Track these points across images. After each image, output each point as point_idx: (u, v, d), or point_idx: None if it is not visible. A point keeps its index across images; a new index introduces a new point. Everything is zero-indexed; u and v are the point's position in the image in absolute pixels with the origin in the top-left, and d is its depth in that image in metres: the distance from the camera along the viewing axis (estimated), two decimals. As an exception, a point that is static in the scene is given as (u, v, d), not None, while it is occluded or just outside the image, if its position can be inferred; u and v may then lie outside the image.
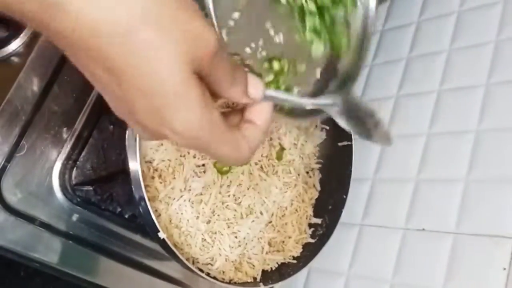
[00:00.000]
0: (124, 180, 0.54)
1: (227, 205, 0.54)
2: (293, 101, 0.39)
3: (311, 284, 0.63)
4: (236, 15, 0.42)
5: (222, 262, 0.53)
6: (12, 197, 0.50)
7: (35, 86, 0.50)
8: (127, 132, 0.44)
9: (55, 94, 0.52)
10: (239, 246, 0.54)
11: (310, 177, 0.62)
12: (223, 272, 0.53)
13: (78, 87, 0.53)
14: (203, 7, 0.37)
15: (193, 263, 0.51)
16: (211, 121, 0.28)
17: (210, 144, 0.29)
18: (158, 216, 0.50)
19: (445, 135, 0.57)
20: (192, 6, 0.26)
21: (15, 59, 0.51)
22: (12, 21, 0.51)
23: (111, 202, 0.55)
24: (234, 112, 0.34)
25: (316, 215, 0.61)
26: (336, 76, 0.49)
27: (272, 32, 0.44)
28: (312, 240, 0.59)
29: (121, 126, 0.46)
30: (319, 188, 0.62)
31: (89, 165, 0.54)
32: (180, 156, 0.51)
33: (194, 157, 0.52)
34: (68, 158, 0.53)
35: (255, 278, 0.55)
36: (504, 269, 0.47)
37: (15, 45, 0.51)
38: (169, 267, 0.58)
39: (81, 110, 0.53)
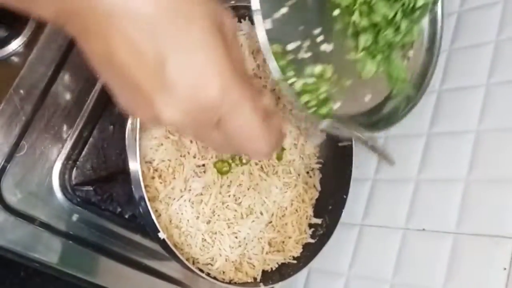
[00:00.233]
0: (124, 180, 0.54)
1: (227, 205, 0.54)
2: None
3: (311, 284, 0.63)
4: (284, 10, 0.42)
5: (222, 262, 0.53)
6: (12, 197, 0.50)
7: (35, 86, 0.50)
8: (126, 132, 0.44)
9: (55, 94, 0.52)
10: (239, 246, 0.54)
11: (310, 177, 0.62)
12: (223, 272, 0.53)
13: (78, 86, 0.53)
14: None
15: (193, 263, 0.51)
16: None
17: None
18: (158, 216, 0.50)
19: (446, 135, 0.57)
20: None
21: (15, 59, 0.51)
22: (12, 21, 0.51)
23: (111, 202, 0.55)
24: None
25: (316, 215, 0.61)
26: (382, 111, 0.49)
27: (319, 39, 0.44)
28: (312, 240, 0.59)
29: (122, 125, 0.46)
30: (319, 188, 0.62)
31: (89, 165, 0.54)
32: (180, 156, 0.51)
33: (194, 157, 0.52)
34: (68, 158, 0.52)
35: (255, 278, 0.55)
36: (505, 269, 0.47)
37: (15, 45, 0.51)
38: (169, 267, 0.58)
39: (81, 110, 0.53)
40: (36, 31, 0.51)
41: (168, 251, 0.46)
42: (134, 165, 0.44)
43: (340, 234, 0.57)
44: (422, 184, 0.57)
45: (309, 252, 0.57)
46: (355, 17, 0.45)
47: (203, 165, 0.52)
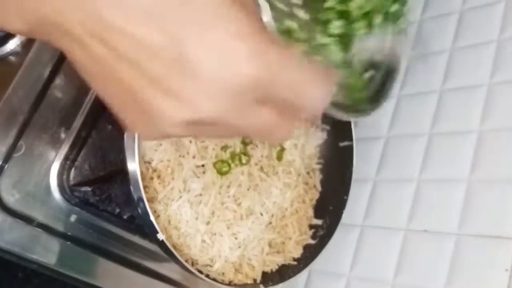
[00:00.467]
0: (122, 180, 0.54)
1: (227, 206, 0.53)
2: None
3: (311, 286, 0.62)
4: None
5: (222, 263, 0.52)
6: (10, 198, 0.49)
7: (33, 85, 0.50)
8: (125, 132, 0.44)
9: (53, 93, 0.51)
10: (239, 247, 0.54)
11: (310, 177, 0.62)
12: (223, 273, 0.53)
13: (76, 86, 0.53)
14: None
15: (192, 264, 0.50)
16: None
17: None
18: (157, 217, 0.49)
19: (447, 135, 0.57)
20: None
21: (12, 58, 0.51)
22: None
23: (109, 202, 0.55)
24: None
25: (316, 216, 0.60)
26: None
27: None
28: (313, 241, 0.58)
29: (120, 126, 0.45)
30: (319, 189, 0.62)
31: (87, 166, 0.54)
32: (179, 156, 0.51)
33: (194, 157, 0.52)
34: (66, 158, 0.52)
35: (255, 280, 0.55)
36: (507, 270, 0.46)
37: (12, 44, 0.50)
38: (168, 269, 0.57)
39: (79, 110, 0.53)
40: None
41: (167, 252, 0.46)
42: (132, 165, 0.43)
43: (341, 235, 0.57)
44: (423, 185, 0.57)
45: (310, 253, 0.57)
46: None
47: (203, 165, 0.52)
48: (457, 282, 0.49)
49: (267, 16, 0.41)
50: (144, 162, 0.49)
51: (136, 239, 0.56)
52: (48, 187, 0.51)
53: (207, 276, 0.50)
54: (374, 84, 0.52)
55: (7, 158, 0.49)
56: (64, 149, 0.52)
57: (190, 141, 0.51)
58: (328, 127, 0.63)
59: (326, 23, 0.46)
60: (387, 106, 0.65)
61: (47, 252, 0.50)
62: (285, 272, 0.56)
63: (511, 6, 0.58)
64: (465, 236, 0.51)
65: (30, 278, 0.52)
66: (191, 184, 0.51)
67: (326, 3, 0.45)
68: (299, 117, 0.27)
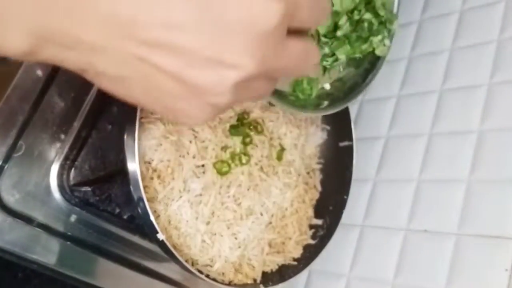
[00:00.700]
0: (122, 180, 0.53)
1: (227, 206, 0.53)
2: None
3: (311, 286, 0.62)
4: None
5: (222, 263, 0.52)
6: (10, 198, 0.49)
7: (33, 85, 0.50)
8: (125, 132, 0.44)
9: (53, 93, 0.51)
10: (239, 247, 0.54)
11: (310, 177, 0.62)
12: (223, 273, 0.53)
13: (76, 86, 0.53)
14: None
15: (192, 264, 0.50)
16: None
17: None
18: (157, 217, 0.49)
19: (447, 135, 0.57)
20: None
21: (12, 58, 0.50)
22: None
23: (109, 203, 0.54)
24: None
25: (316, 216, 0.60)
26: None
27: None
28: (313, 241, 0.58)
29: (120, 125, 0.45)
30: (319, 189, 0.62)
31: (87, 166, 0.54)
32: (180, 156, 0.51)
33: (194, 157, 0.51)
34: (66, 158, 0.52)
35: (255, 280, 0.55)
36: (506, 270, 0.46)
37: (12, 44, 0.50)
38: (168, 269, 0.57)
39: (79, 110, 0.53)
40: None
41: (167, 252, 0.46)
42: (132, 166, 0.43)
43: (341, 235, 0.57)
44: (423, 185, 0.57)
45: (310, 253, 0.57)
46: None
47: (203, 165, 0.52)
48: (457, 282, 0.49)
49: None
50: (144, 162, 0.49)
51: (136, 239, 0.56)
52: (48, 187, 0.51)
53: (207, 276, 0.50)
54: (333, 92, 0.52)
55: (7, 158, 0.49)
56: (64, 149, 0.52)
57: (190, 141, 0.51)
58: (328, 127, 0.63)
59: None
60: (387, 106, 0.65)
61: (47, 252, 0.50)
62: (285, 272, 0.56)
63: (511, 6, 0.58)
64: (465, 236, 0.51)
65: (30, 278, 0.52)
66: (191, 184, 0.51)
67: None
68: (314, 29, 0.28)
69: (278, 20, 0.23)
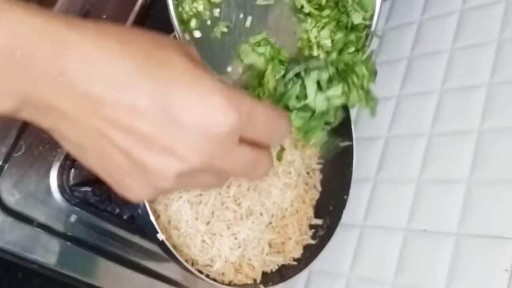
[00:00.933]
0: (122, 180, 0.53)
1: (227, 206, 0.53)
2: None
3: (311, 286, 0.62)
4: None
5: (222, 263, 0.52)
6: (10, 198, 0.49)
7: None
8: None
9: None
10: (239, 247, 0.54)
11: (310, 177, 0.62)
12: (223, 273, 0.53)
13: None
14: None
15: (192, 264, 0.50)
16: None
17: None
18: (157, 217, 0.49)
19: (447, 135, 0.57)
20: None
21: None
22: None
23: (109, 203, 0.54)
24: None
25: (316, 216, 0.60)
26: None
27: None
28: (313, 242, 0.58)
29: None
30: (319, 189, 0.62)
31: (88, 166, 0.54)
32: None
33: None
34: (66, 158, 0.52)
35: (255, 280, 0.55)
36: (507, 270, 0.46)
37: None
38: (168, 269, 0.57)
39: (80, 110, 0.53)
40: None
41: (167, 252, 0.46)
42: (132, 166, 0.43)
43: (341, 235, 0.57)
44: (423, 185, 0.57)
45: (310, 253, 0.57)
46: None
47: (203, 165, 0.52)
48: (457, 282, 0.49)
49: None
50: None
51: (136, 239, 0.56)
52: (48, 187, 0.51)
53: (207, 276, 0.50)
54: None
55: (7, 158, 0.49)
56: (64, 149, 0.52)
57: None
58: (328, 127, 0.62)
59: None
60: (387, 106, 0.65)
61: (47, 252, 0.50)
62: (285, 272, 0.56)
63: (511, 6, 0.58)
64: (465, 236, 0.51)
65: (30, 278, 0.52)
66: (191, 184, 0.51)
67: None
68: (271, 146, 0.32)
69: (228, 128, 0.26)
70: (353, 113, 0.65)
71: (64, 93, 0.25)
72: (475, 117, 0.55)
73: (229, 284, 0.52)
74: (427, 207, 0.55)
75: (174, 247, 0.48)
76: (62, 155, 0.52)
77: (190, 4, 0.47)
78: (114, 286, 0.54)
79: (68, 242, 0.52)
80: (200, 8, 0.47)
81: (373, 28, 0.51)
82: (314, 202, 0.61)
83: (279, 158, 0.58)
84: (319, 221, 0.60)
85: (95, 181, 0.54)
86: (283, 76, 0.48)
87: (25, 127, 0.50)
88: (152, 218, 0.44)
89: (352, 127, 0.60)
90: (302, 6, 0.50)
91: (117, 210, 0.55)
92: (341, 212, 0.57)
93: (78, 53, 0.24)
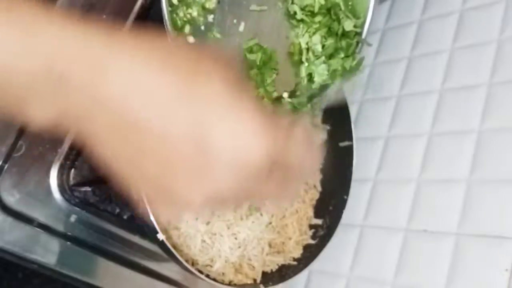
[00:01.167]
0: (123, 180, 0.53)
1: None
2: None
3: (311, 286, 0.62)
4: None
5: (222, 263, 0.52)
6: (10, 198, 0.49)
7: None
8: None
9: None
10: (239, 247, 0.54)
11: (310, 177, 0.62)
12: (223, 273, 0.53)
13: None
14: None
15: (192, 264, 0.50)
16: None
17: None
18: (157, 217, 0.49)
19: (447, 135, 0.57)
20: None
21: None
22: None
23: (109, 203, 0.54)
24: None
25: (316, 216, 0.60)
26: None
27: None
28: (313, 241, 0.58)
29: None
30: (320, 189, 0.62)
31: (88, 166, 0.54)
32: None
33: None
34: (66, 158, 0.52)
35: (255, 280, 0.55)
36: (507, 270, 0.46)
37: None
38: (168, 269, 0.57)
39: (80, 110, 0.53)
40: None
41: (167, 252, 0.46)
42: (132, 166, 0.43)
43: (341, 235, 0.57)
44: (423, 185, 0.56)
45: (310, 253, 0.57)
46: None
47: (203, 165, 0.52)
48: (457, 282, 0.49)
49: None
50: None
51: (136, 239, 0.56)
52: (48, 187, 0.51)
53: (207, 276, 0.50)
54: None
55: (7, 158, 0.49)
56: (64, 149, 0.52)
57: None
58: (328, 127, 0.63)
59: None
60: (387, 106, 0.65)
61: (47, 252, 0.50)
62: (285, 272, 0.56)
63: (511, 6, 0.58)
64: (465, 236, 0.51)
65: (30, 278, 0.52)
66: (191, 184, 0.51)
67: None
68: (300, 177, 0.32)
69: (261, 157, 0.26)
70: (353, 113, 0.65)
71: (100, 111, 0.25)
72: (475, 117, 0.55)
73: (229, 284, 0.52)
74: (427, 207, 0.55)
75: (174, 247, 0.47)
76: (62, 155, 0.52)
77: (184, 10, 0.47)
78: (114, 286, 0.54)
79: (68, 242, 0.52)
80: (194, 14, 0.48)
81: (364, 35, 0.52)
82: (314, 202, 0.61)
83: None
84: (319, 221, 0.59)
85: (95, 181, 0.54)
86: None
87: (25, 127, 0.50)
88: (152, 218, 0.44)
89: (352, 127, 0.60)
90: (295, 13, 0.51)
91: (117, 210, 0.55)
92: (341, 212, 0.57)
93: (117, 71, 0.24)
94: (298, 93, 0.52)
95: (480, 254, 0.49)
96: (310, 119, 0.60)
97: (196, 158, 0.26)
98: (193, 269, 0.47)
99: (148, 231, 0.45)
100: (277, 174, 0.29)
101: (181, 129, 0.25)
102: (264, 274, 0.56)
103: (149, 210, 0.44)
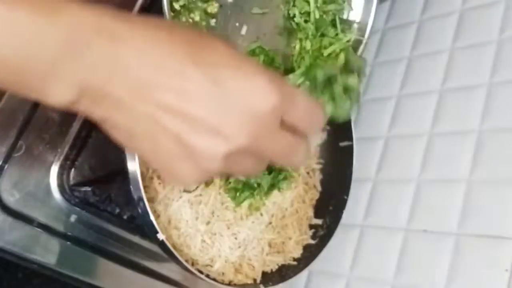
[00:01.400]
0: (122, 180, 0.53)
1: (227, 206, 0.53)
2: None
3: (311, 286, 0.62)
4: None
5: (222, 263, 0.52)
6: (10, 198, 0.49)
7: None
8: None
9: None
10: (239, 247, 0.54)
11: (310, 177, 0.62)
12: (223, 273, 0.53)
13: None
14: None
15: (192, 264, 0.50)
16: None
17: None
18: (157, 217, 0.49)
19: (447, 135, 0.57)
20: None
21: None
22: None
23: (109, 203, 0.54)
24: None
25: (316, 216, 0.60)
26: None
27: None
28: (313, 241, 0.58)
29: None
30: (320, 189, 0.62)
31: (88, 166, 0.54)
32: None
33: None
34: (66, 158, 0.52)
35: (255, 280, 0.55)
36: (507, 270, 0.46)
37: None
38: (168, 269, 0.57)
39: (80, 110, 0.53)
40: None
41: (167, 252, 0.46)
42: (132, 165, 0.43)
43: (341, 235, 0.57)
44: (423, 185, 0.57)
45: (310, 253, 0.57)
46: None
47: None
48: (457, 282, 0.49)
49: None
50: (144, 162, 0.49)
51: (136, 239, 0.56)
52: (48, 187, 0.51)
53: (207, 276, 0.50)
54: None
55: (7, 158, 0.49)
56: (64, 149, 0.52)
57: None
58: (328, 127, 0.63)
59: None
60: (387, 106, 0.65)
61: (47, 252, 0.50)
62: (285, 272, 0.56)
63: (511, 6, 0.58)
64: (465, 236, 0.51)
65: (30, 278, 0.52)
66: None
67: None
68: (309, 134, 0.33)
69: (272, 107, 0.28)
70: (353, 113, 0.65)
71: (118, 80, 0.26)
72: (475, 117, 0.55)
73: (229, 284, 0.52)
74: (427, 207, 0.55)
75: (174, 247, 0.47)
76: (62, 155, 0.52)
77: (186, 15, 0.48)
78: (114, 286, 0.54)
79: (68, 242, 0.52)
80: (197, 18, 0.48)
81: (366, 36, 0.53)
82: (314, 202, 0.61)
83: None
84: (319, 221, 0.59)
85: (95, 181, 0.54)
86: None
87: (25, 127, 0.50)
88: (152, 218, 0.44)
89: (352, 127, 0.60)
90: (294, 15, 0.52)
91: (117, 210, 0.55)
92: (341, 212, 0.57)
93: (131, 43, 0.26)
94: None
95: (480, 254, 0.49)
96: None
97: (211, 116, 0.27)
98: (193, 269, 0.47)
99: (148, 231, 0.45)
100: (285, 135, 0.30)
101: (194, 87, 0.27)
102: (264, 274, 0.56)
103: (149, 210, 0.44)
